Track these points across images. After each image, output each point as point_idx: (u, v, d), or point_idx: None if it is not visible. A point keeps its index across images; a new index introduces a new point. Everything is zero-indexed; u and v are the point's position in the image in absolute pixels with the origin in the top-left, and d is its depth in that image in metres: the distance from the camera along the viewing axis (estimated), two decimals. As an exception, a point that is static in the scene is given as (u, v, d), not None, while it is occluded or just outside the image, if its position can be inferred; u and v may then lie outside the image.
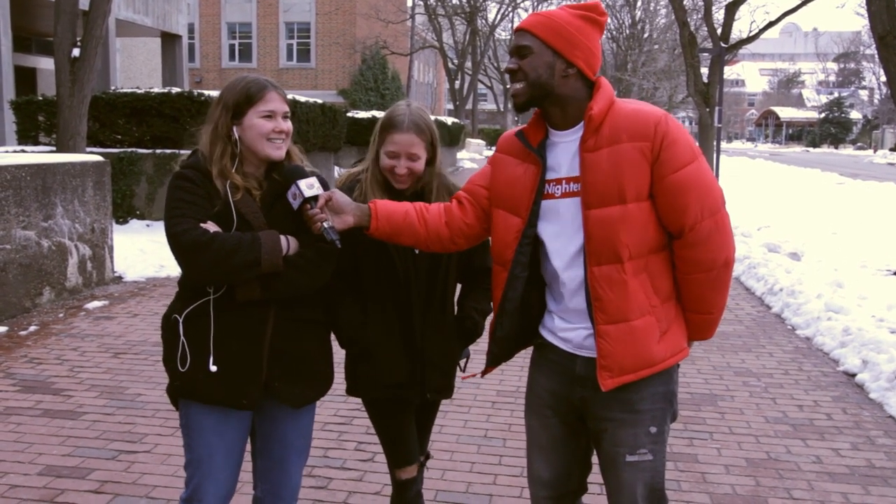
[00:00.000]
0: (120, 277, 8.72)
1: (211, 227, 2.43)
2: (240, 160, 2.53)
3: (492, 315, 2.54)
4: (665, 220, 2.28)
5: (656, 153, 2.22)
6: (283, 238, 2.48)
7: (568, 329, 2.41)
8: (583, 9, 2.31)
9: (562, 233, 2.35)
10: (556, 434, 2.51)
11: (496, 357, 2.57)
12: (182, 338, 2.50)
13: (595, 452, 2.53)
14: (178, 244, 2.40)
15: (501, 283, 2.44)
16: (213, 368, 2.47)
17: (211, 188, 2.48)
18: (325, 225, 2.40)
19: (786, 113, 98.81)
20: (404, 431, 2.86)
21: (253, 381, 2.51)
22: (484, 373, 2.67)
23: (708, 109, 19.79)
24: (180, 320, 2.51)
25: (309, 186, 2.40)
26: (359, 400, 3.02)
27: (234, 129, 2.51)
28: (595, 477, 2.66)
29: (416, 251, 2.72)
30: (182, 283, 2.60)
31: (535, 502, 2.61)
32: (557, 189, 2.34)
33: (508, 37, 56.70)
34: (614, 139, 2.24)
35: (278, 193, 2.54)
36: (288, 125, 2.55)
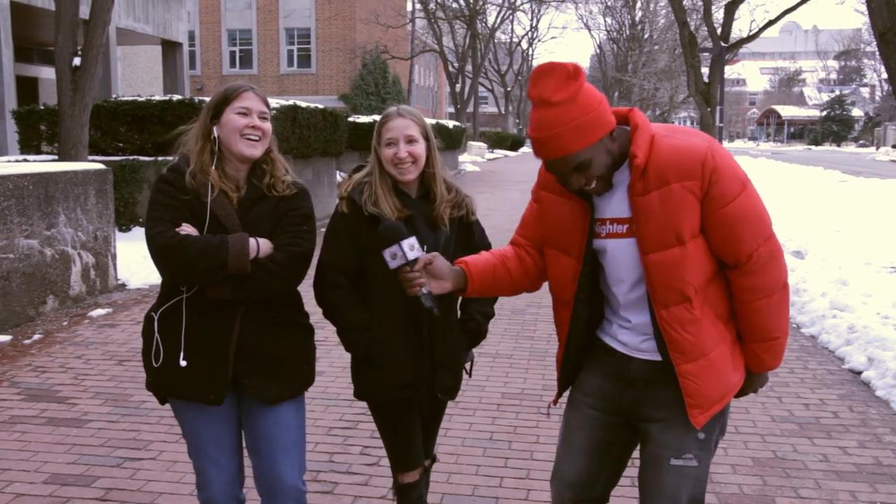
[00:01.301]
0: (123, 285, 8.72)
1: (188, 230, 2.52)
2: (220, 159, 2.62)
3: (559, 349, 2.53)
4: (720, 252, 2.26)
5: (705, 190, 2.18)
6: (253, 240, 2.54)
7: (626, 333, 2.40)
8: (565, 84, 2.12)
9: (610, 272, 2.35)
10: (592, 436, 2.48)
11: (568, 382, 2.56)
12: (156, 334, 2.60)
13: (639, 456, 2.48)
14: (151, 246, 2.52)
15: (566, 321, 2.44)
16: (183, 363, 2.57)
17: (188, 188, 2.56)
18: (424, 291, 2.36)
19: (787, 111, 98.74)
20: (409, 435, 2.86)
21: (219, 377, 2.59)
22: (556, 400, 2.66)
23: (709, 109, 19.78)
24: (155, 318, 2.61)
25: (411, 248, 2.37)
26: (364, 404, 3.02)
27: (214, 128, 2.61)
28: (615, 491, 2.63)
29: (425, 248, 2.73)
30: (162, 282, 2.69)
31: (557, 501, 2.58)
32: (602, 229, 2.32)
33: (508, 39, 56.78)
34: (662, 181, 2.18)
35: (257, 198, 2.61)
36: (264, 125, 2.62)
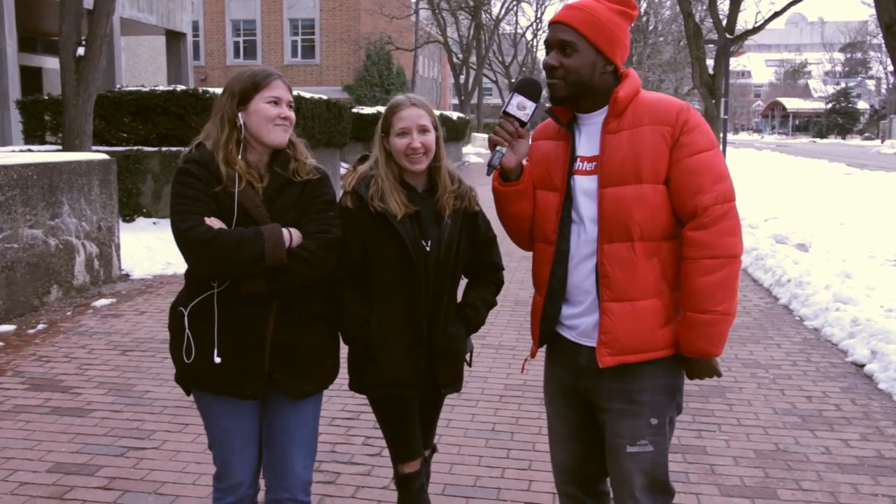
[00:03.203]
0: (127, 275, 8.74)
1: (215, 223, 2.46)
2: (244, 148, 2.57)
3: (537, 296, 2.55)
4: (678, 202, 2.31)
5: (676, 137, 2.29)
6: (285, 231, 2.51)
7: (573, 316, 2.45)
8: (617, 2, 2.35)
9: (576, 210, 2.41)
10: (570, 423, 2.57)
11: (545, 336, 2.55)
12: (187, 330, 2.55)
13: None
14: (183, 241, 2.45)
15: (548, 257, 2.45)
16: (218, 360, 2.52)
17: (213, 180, 2.50)
18: (499, 149, 2.38)
19: (792, 104, 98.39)
20: (408, 426, 2.85)
21: (256, 372, 2.56)
22: (534, 353, 2.66)
23: (714, 101, 19.71)
24: (185, 313, 2.56)
25: (521, 108, 2.37)
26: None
27: (240, 115, 2.55)
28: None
29: (429, 246, 2.72)
30: (188, 275, 2.63)
31: (559, 488, 2.67)
32: (575, 167, 2.41)
33: (512, 31, 56.64)
34: (636, 123, 2.32)
35: (281, 186, 2.58)
36: (292, 114, 2.61)
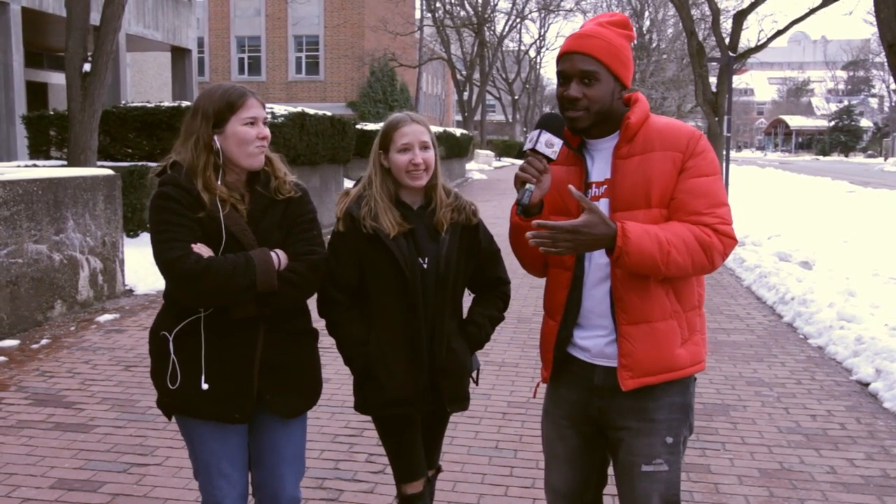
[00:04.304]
0: (131, 290, 8.75)
1: (203, 250, 2.42)
2: (222, 171, 2.50)
3: (550, 321, 2.53)
4: (674, 220, 2.29)
5: (685, 162, 2.30)
6: (273, 255, 2.48)
7: (587, 337, 2.43)
8: (620, 27, 2.36)
9: None
10: (572, 445, 2.53)
11: (558, 361, 2.52)
12: (172, 356, 2.49)
13: (611, 464, 2.53)
14: (172, 273, 2.38)
15: (565, 283, 2.44)
16: (205, 387, 2.47)
17: (195, 204, 2.44)
18: (529, 187, 2.34)
19: (795, 121, 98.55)
20: (411, 446, 2.84)
21: (245, 396, 2.53)
22: (545, 379, 2.63)
23: (717, 119, 19.73)
24: (170, 338, 2.50)
25: (549, 145, 2.36)
26: (369, 412, 3.01)
27: (216, 138, 2.47)
28: (609, 489, 2.65)
29: (426, 263, 2.72)
30: (169, 296, 2.58)
31: None
32: (590, 192, 2.41)
33: (516, 48, 56.88)
34: (647, 148, 2.32)
35: (264, 207, 2.54)
36: (268, 131, 2.55)
